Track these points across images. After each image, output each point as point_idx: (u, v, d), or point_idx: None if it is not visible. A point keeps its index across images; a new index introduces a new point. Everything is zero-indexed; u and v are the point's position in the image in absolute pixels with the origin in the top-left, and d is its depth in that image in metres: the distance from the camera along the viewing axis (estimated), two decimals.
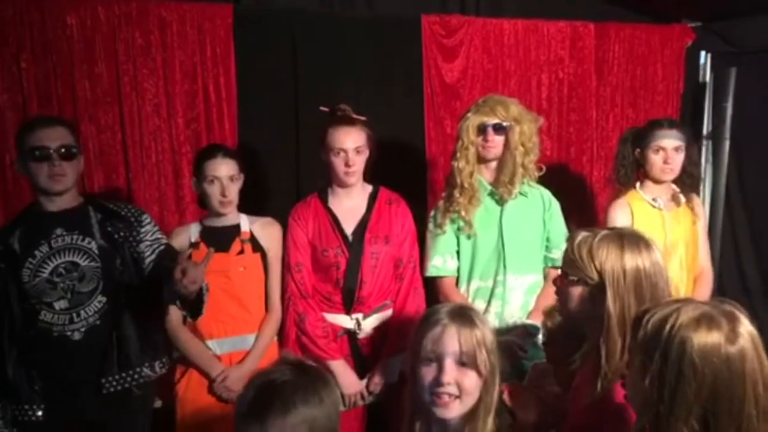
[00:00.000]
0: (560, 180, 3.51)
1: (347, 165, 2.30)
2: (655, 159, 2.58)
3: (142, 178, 2.92)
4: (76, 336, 2.06)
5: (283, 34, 3.05)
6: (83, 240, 2.09)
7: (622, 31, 3.54)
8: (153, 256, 2.20)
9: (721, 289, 3.69)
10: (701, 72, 3.72)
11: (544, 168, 2.50)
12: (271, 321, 2.35)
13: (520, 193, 2.43)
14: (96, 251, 2.09)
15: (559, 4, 3.44)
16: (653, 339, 1.17)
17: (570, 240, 1.57)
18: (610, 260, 1.49)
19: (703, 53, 3.70)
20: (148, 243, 2.20)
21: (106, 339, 2.09)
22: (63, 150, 2.05)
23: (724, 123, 3.42)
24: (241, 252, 2.32)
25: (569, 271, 1.56)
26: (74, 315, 2.06)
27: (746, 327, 1.16)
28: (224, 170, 2.30)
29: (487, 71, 3.32)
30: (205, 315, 2.24)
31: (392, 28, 3.19)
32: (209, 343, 2.29)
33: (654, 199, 2.63)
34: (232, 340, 2.30)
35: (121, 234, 2.15)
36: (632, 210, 2.60)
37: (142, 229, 2.20)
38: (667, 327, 1.16)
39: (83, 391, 2.08)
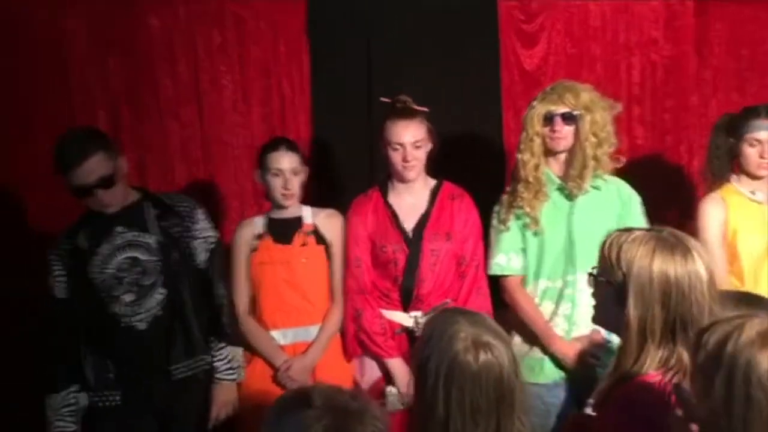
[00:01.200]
0: (653, 171, 3.27)
1: (405, 160, 2.23)
2: (750, 152, 2.32)
3: (222, 172, 3.01)
4: (142, 326, 2.15)
5: (356, 26, 3.02)
6: (141, 236, 2.17)
7: (726, 9, 3.21)
8: (205, 255, 2.26)
9: None
10: None
11: (623, 159, 2.30)
12: (335, 313, 2.35)
13: (593, 187, 2.25)
14: (154, 246, 2.17)
15: None
16: (714, 361, 1.03)
17: (604, 238, 1.44)
18: (637, 263, 1.34)
19: None
20: (201, 240, 2.26)
21: (170, 328, 2.18)
22: (101, 182, 2.08)
23: None
24: (304, 244, 2.33)
25: (598, 272, 1.44)
26: (138, 307, 2.15)
27: None
28: (287, 163, 2.32)
29: (570, 56, 3.13)
30: (269, 305, 2.28)
31: (467, 16, 3.07)
32: (273, 333, 2.32)
33: (753, 192, 2.36)
34: (296, 331, 2.32)
35: (177, 229, 2.22)
36: (727, 205, 2.35)
37: (196, 226, 2.26)
38: (729, 346, 1.01)
39: (151, 378, 2.18)
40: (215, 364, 2.24)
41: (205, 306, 2.24)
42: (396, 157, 2.25)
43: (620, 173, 2.43)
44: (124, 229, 2.17)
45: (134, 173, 2.92)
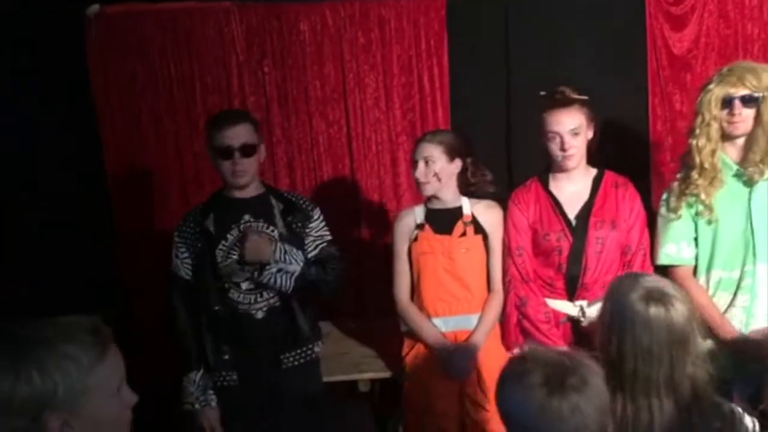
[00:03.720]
0: None
1: (563, 149, 2.22)
2: None
3: (364, 167, 3.14)
4: (259, 315, 2.25)
5: (495, 19, 3.05)
6: (268, 228, 2.27)
7: None
8: (315, 252, 2.33)
9: None
10: None
11: None
12: (494, 300, 2.37)
13: None
14: (278, 239, 2.26)
15: None
16: None
17: None
18: None
19: None
20: (312, 238, 2.34)
21: (284, 319, 2.27)
22: (244, 148, 2.20)
23: None
24: (464, 234, 2.37)
25: None
26: (258, 296, 2.25)
27: None
28: (421, 153, 2.35)
29: (724, 38, 2.97)
30: (430, 294, 2.35)
31: (612, 1, 3.01)
32: (434, 320, 2.37)
33: None
34: (456, 319, 2.36)
35: (299, 225, 2.31)
36: None
37: (311, 224, 2.34)
38: None
39: (264, 364, 2.27)
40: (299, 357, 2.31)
41: (309, 297, 2.32)
42: (554, 146, 2.24)
43: None
44: (252, 218, 2.27)
45: (284, 171, 3.14)
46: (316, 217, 2.37)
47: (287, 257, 2.22)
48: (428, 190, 2.38)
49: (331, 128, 3.12)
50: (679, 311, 1.43)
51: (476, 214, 2.40)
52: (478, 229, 2.38)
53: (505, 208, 2.47)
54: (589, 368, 1.23)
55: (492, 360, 2.27)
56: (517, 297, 2.31)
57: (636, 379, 1.43)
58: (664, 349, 1.41)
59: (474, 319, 2.35)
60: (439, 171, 2.34)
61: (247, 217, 2.27)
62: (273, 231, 2.27)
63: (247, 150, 2.22)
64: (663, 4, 2.97)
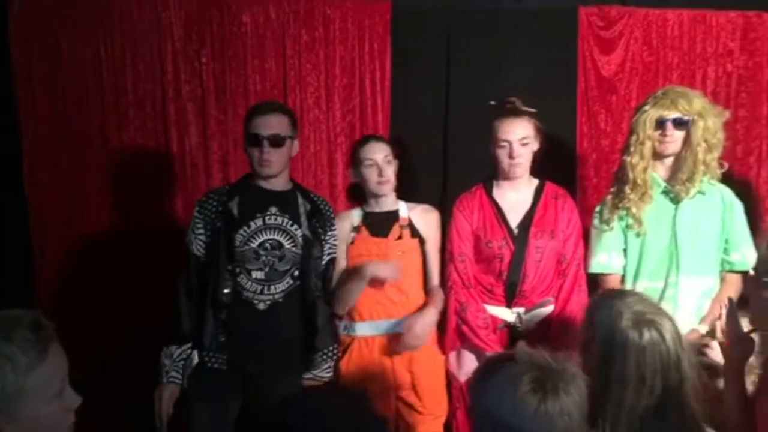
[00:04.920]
0: (724, 180, 3.30)
1: (511, 157, 2.30)
2: None
3: (301, 166, 3.10)
4: (261, 306, 2.24)
5: (438, 29, 3.10)
6: (292, 225, 2.26)
7: None
8: (326, 260, 2.36)
9: None
10: None
11: (726, 165, 2.35)
12: (438, 294, 2.42)
13: (698, 192, 2.31)
14: (300, 239, 2.26)
15: None
16: None
17: (764, 240, 1.49)
18: None
19: None
20: (328, 247, 2.36)
21: (289, 319, 2.26)
22: (273, 138, 2.21)
23: None
24: (400, 237, 2.41)
25: (762, 273, 1.48)
26: (265, 287, 2.24)
27: None
28: (378, 152, 2.41)
29: (647, 64, 3.17)
30: (365, 297, 2.36)
31: (547, 21, 3.14)
32: (369, 324, 2.40)
33: None
34: (390, 323, 2.40)
35: (320, 230, 2.32)
36: None
37: (330, 232, 2.36)
38: None
39: (255, 356, 2.24)
40: (317, 362, 2.31)
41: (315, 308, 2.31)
42: (503, 154, 2.33)
43: None
44: (278, 211, 2.26)
45: (217, 166, 3.05)
46: (335, 226, 2.38)
47: None
48: (387, 189, 2.42)
49: None
50: (669, 332, 1.42)
51: (413, 218, 2.46)
52: (415, 233, 2.44)
53: (444, 213, 2.54)
54: (574, 371, 1.25)
55: (427, 363, 2.33)
56: (457, 302, 2.37)
57: (621, 408, 1.39)
58: (658, 376, 1.39)
59: None
60: (394, 170, 2.43)
61: (273, 209, 2.26)
62: (297, 229, 2.25)
63: (277, 140, 2.22)
64: (594, 28, 3.14)
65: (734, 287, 2.34)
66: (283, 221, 2.25)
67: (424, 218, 2.47)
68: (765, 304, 1.50)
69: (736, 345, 1.60)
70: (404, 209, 2.48)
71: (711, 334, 2.00)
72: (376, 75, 3.08)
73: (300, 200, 2.31)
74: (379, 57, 3.07)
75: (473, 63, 3.11)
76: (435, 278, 2.44)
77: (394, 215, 2.46)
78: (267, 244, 2.23)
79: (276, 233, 2.25)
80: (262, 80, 3.01)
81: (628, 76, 3.17)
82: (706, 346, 2.06)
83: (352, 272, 2.37)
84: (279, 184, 2.29)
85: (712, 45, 3.19)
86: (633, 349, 1.38)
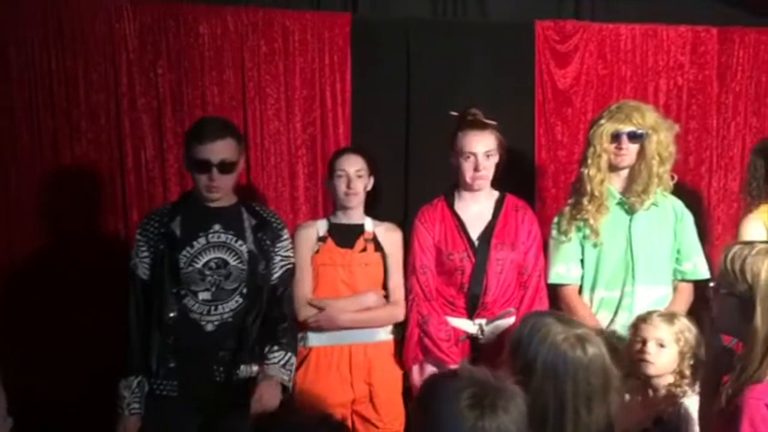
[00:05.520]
0: (677, 190, 3.39)
1: (476, 169, 2.32)
2: None
3: (261, 178, 3.07)
4: (209, 327, 2.18)
5: (398, 41, 3.11)
6: (236, 241, 2.22)
7: (747, 36, 3.36)
8: (279, 273, 2.30)
9: None
10: None
11: (676, 177, 2.42)
12: (388, 307, 2.43)
13: (652, 204, 2.37)
14: (246, 255, 2.21)
15: (680, 8, 3.32)
16: None
17: (725, 252, 1.53)
18: (763, 274, 1.44)
19: None
20: (279, 259, 2.31)
21: (234, 337, 2.20)
22: (223, 165, 2.16)
23: None
24: (364, 250, 2.43)
25: (721, 284, 1.52)
26: (212, 308, 2.18)
27: None
28: (351, 165, 2.42)
29: (601, 77, 3.25)
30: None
31: (505, 34, 3.19)
32: (326, 334, 2.40)
33: None
34: (352, 333, 2.40)
35: (267, 243, 2.27)
36: (766, 226, 2.47)
37: (280, 244, 2.32)
38: None
39: (205, 378, 2.19)
40: (270, 362, 2.24)
41: (268, 320, 2.27)
42: (467, 166, 2.34)
43: None
44: (222, 229, 2.21)
45: (174, 179, 2.99)
46: (285, 237, 2.34)
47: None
48: (354, 202, 2.44)
49: None
50: (603, 345, 1.44)
51: (377, 234, 2.46)
52: (378, 247, 2.44)
53: (405, 223, 2.55)
54: (513, 389, 1.26)
55: (385, 375, 2.33)
56: (419, 315, 2.37)
57: (577, 427, 1.38)
58: (600, 391, 1.38)
59: (369, 332, 2.40)
60: (365, 185, 2.45)
61: (217, 226, 2.20)
62: (242, 245, 2.20)
63: (226, 167, 2.16)
64: (550, 42, 3.20)
65: (686, 296, 2.42)
66: (227, 238, 2.21)
67: (388, 236, 2.49)
68: (725, 314, 1.53)
69: (715, 361, 1.63)
70: (370, 224, 2.50)
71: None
72: (336, 87, 3.07)
73: (245, 215, 2.27)
74: (339, 69, 3.06)
75: (434, 75, 3.13)
76: (396, 290, 2.44)
77: (359, 228, 2.47)
78: (212, 263, 2.18)
79: (221, 251, 2.20)
80: (220, 92, 2.96)
81: (583, 88, 3.24)
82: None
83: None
84: (222, 200, 2.25)
85: (663, 58, 3.29)
86: (581, 366, 1.38)
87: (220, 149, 2.15)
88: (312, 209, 3.10)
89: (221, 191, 2.20)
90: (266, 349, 2.23)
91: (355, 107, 3.11)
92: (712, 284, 1.56)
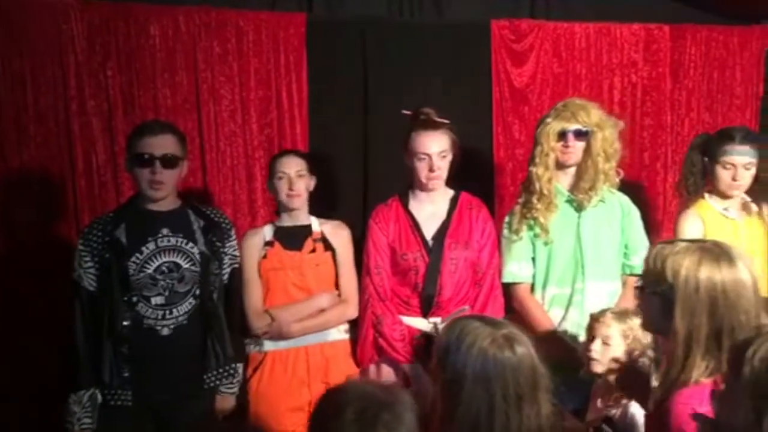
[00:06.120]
0: (633, 186, 3.43)
1: (431, 170, 2.32)
2: (724, 175, 2.46)
3: (218, 181, 3.02)
4: (165, 332, 2.15)
5: (354, 41, 3.10)
6: (187, 244, 2.19)
7: (699, 34, 3.43)
8: (228, 270, 2.31)
9: None
10: None
11: (622, 173, 2.45)
12: (340, 306, 2.41)
13: (599, 200, 2.39)
14: (198, 257, 2.19)
15: (633, 6, 3.37)
16: (765, 379, 1.08)
17: (649, 250, 1.53)
18: (683, 272, 1.41)
19: None
20: (228, 258, 2.31)
21: (191, 340, 2.19)
22: (166, 159, 2.13)
23: None
24: (314, 250, 2.41)
25: (645, 282, 1.52)
26: (167, 312, 2.16)
27: None
28: (291, 166, 2.40)
29: (557, 75, 3.28)
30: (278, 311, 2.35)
31: (461, 34, 3.20)
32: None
33: (726, 209, 2.52)
34: (305, 336, 2.38)
35: (218, 243, 2.26)
36: (704, 221, 2.50)
37: (229, 243, 2.31)
38: None
39: (162, 384, 2.16)
40: (221, 377, 2.27)
41: (216, 327, 2.25)
42: (422, 167, 2.33)
43: None
44: (170, 232, 2.18)
45: (128, 183, 2.92)
46: (233, 236, 2.33)
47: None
48: (297, 203, 2.41)
49: None
50: (530, 344, 1.40)
51: (325, 233, 2.45)
52: (328, 246, 2.43)
53: (365, 224, 2.53)
54: (404, 404, 1.24)
55: (343, 376, 2.30)
56: (374, 315, 2.36)
57: (507, 430, 1.33)
58: (530, 390, 1.35)
59: (324, 332, 2.39)
60: (307, 185, 2.41)
61: (165, 230, 2.17)
62: (193, 247, 2.18)
63: (170, 161, 2.13)
64: (506, 41, 3.22)
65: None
66: (177, 242, 2.18)
67: (336, 234, 2.47)
68: (650, 313, 1.52)
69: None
70: (316, 223, 2.47)
71: None
72: (292, 87, 3.04)
73: (192, 217, 2.25)
74: (295, 69, 3.03)
75: (391, 75, 3.12)
76: (348, 288, 2.43)
77: (307, 229, 2.45)
78: (164, 268, 2.15)
79: (172, 255, 2.17)
80: (173, 94, 2.91)
81: (539, 87, 3.27)
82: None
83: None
84: (168, 204, 2.22)
85: (617, 56, 3.33)
86: (509, 368, 1.34)
87: (163, 143, 2.14)
88: (271, 212, 3.05)
89: (165, 188, 2.16)
90: (215, 362, 2.23)
91: (313, 108, 3.09)
92: (637, 284, 1.56)
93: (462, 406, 1.35)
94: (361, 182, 3.17)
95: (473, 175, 3.22)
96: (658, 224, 3.34)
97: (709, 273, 1.41)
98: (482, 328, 1.39)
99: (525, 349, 1.37)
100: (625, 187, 3.34)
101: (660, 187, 3.49)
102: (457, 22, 3.22)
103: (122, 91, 2.86)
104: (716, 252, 1.44)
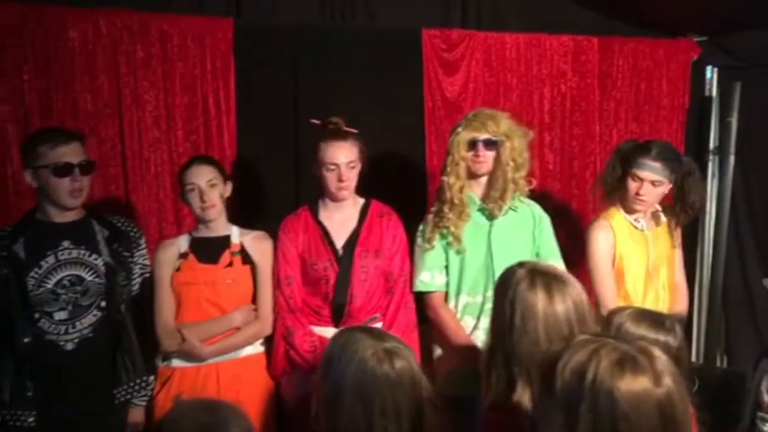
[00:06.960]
0: (563, 194, 3.51)
1: (340, 180, 2.30)
2: (631, 186, 2.49)
3: (141, 189, 2.93)
4: (69, 346, 2.09)
5: (284, 47, 3.05)
6: (90, 256, 2.13)
7: (627, 46, 3.52)
8: (139, 280, 2.27)
9: (726, 304, 3.64)
10: (707, 86, 3.69)
11: (534, 182, 2.48)
12: (255, 324, 2.36)
13: (510, 209, 2.41)
14: (102, 268, 2.13)
15: (562, 18, 3.43)
16: (575, 391, 1.06)
17: None
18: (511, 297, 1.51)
19: (709, 68, 3.67)
20: (139, 267, 2.28)
21: (99, 354, 2.13)
22: (84, 165, 2.12)
23: (730, 138, 3.38)
24: (230, 264, 2.33)
25: None
26: (70, 326, 2.09)
27: (662, 361, 1.08)
28: (201, 176, 2.32)
29: (488, 85, 3.31)
30: (189, 327, 2.29)
31: (393, 42, 3.19)
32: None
33: (636, 220, 2.57)
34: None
35: (125, 253, 2.21)
36: (615, 232, 2.55)
37: (138, 252, 2.27)
38: (589, 375, 1.05)
39: (70, 402, 2.09)
40: (131, 391, 2.24)
41: (125, 342, 2.21)
42: (331, 177, 2.31)
43: (532, 195, 2.60)
44: (71, 245, 2.11)
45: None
46: (143, 245, 2.28)
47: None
48: (212, 214, 2.32)
49: (104, 146, 2.85)
50: (412, 357, 1.39)
51: (245, 244, 2.38)
52: (247, 259, 2.36)
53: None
54: (230, 421, 1.23)
55: (257, 390, 2.27)
56: (284, 327, 2.33)
57: None
58: (409, 405, 1.33)
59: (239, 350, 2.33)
60: (222, 194, 2.34)
61: (66, 242, 2.10)
62: (96, 259, 2.11)
63: (86, 168, 2.11)
64: (437, 50, 3.23)
65: None
66: (79, 254, 2.12)
67: (257, 246, 2.40)
68: None
69: None
70: (236, 235, 2.40)
71: None
72: (220, 94, 2.98)
73: (96, 227, 2.19)
74: (222, 75, 2.97)
75: (322, 81, 3.09)
76: (265, 306, 2.37)
77: (225, 241, 2.37)
78: (65, 281, 2.09)
79: (74, 268, 2.11)
80: (93, 98, 2.80)
81: (471, 96, 3.29)
82: None
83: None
84: (71, 214, 2.16)
85: (547, 67, 3.38)
86: (387, 383, 1.32)
87: (76, 150, 2.13)
88: (197, 221, 2.99)
89: (83, 195, 2.14)
90: (125, 376, 2.20)
91: (242, 114, 3.03)
92: None
93: (341, 421, 1.34)
94: (292, 190, 3.12)
95: (406, 182, 3.24)
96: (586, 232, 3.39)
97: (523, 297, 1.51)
98: (365, 341, 1.38)
99: (405, 363, 1.36)
100: (554, 195, 3.43)
101: (589, 196, 3.54)
102: (389, 29, 3.21)
103: (39, 95, 2.74)
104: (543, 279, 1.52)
